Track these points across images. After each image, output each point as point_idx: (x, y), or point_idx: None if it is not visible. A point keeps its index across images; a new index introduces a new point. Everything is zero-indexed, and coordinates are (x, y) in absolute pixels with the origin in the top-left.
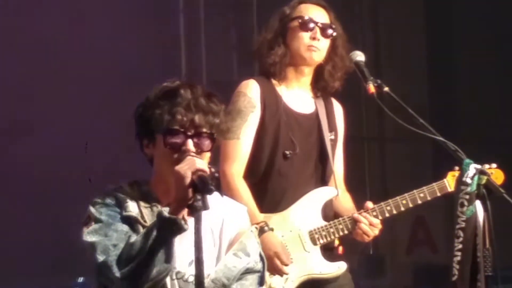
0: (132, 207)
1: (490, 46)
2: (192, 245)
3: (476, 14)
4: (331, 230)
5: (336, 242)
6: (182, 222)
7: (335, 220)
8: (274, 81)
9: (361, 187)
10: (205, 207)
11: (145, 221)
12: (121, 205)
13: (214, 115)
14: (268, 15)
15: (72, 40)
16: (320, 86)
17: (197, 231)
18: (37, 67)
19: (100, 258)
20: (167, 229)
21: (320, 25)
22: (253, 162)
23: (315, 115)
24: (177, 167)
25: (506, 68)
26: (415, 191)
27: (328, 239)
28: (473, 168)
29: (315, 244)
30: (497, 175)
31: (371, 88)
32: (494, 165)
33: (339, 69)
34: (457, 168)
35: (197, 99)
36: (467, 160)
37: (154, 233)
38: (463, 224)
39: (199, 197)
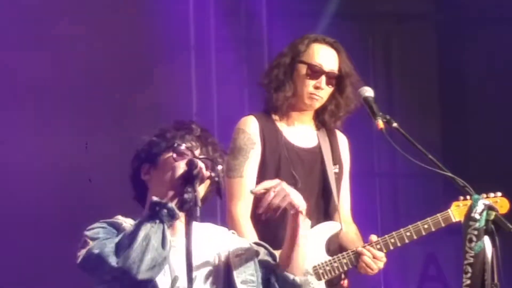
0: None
1: (501, 81)
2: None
3: (488, 48)
4: (335, 264)
5: (342, 276)
6: (174, 206)
7: (339, 255)
8: (275, 116)
9: (373, 223)
10: (196, 201)
11: None
12: (117, 228)
13: (221, 156)
14: (279, 50)
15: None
16: (320, 122)
17: (188, 234)
18: None
19: (96, 251)
20: (159, 213)
21: (327, 73)
22: (257, 200)
23: (318, 149)
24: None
25: None
26: (419, 222)
27: (333, 274)
28: (481, 203)
29: (319, 279)
30: (502, 204)
31: (380, 123)
32: (499, 194)
33: (342, 109)
34: (461, 198)
35: (207, 136)
36: (476, 196)
37: (147, 219)
38: (471, 260)
39: (189, 188)
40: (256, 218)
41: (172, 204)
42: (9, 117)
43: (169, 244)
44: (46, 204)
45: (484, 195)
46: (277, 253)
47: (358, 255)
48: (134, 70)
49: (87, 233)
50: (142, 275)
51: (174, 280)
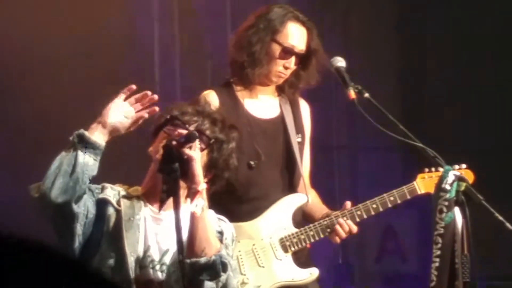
0: (110, 193)
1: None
2: (168, 236)
3: (449, 14)
4: (302, 237)
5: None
6: (84, 133)
7: (306, 227)
8: (236, 87)
9: (331, 197)
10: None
11: (119, 206)
12: (103, 189)
13: (221, 131)
14: (241, 21)
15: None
16: (280, 91)
17: (176, 210)
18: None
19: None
20: (73, 142)
21: (297, 53)
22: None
23: (280, 118)
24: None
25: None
26: (385, 194)
27: (300, 246)
28: (452, 174)
29: (286, 251)
30: (466, 176)
31: (352, 94)
32: (464, 166)
33: (302, 81)
34: (426, 170)
35: (210, 111)
36: (447, 167)
37: (65, 149)
38: (441, 231)
39: (174, 166)
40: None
41: (82, 131)
42: None
43: (81, 169)
44: None
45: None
46: (236, 225)
47: (325, 227)
48: (99, 41)
49: None
50: (56, 198)
51: (146, 249)
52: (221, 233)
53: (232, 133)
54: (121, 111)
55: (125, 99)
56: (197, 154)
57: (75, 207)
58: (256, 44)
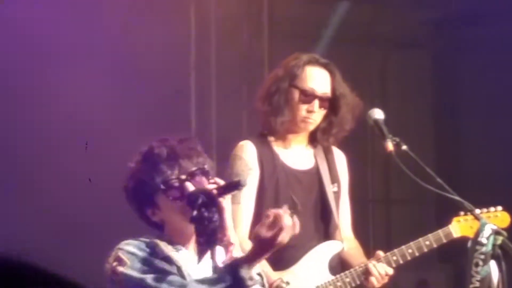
0: (165, 249)
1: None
2: None
3: (483, 76)
4: (339, 284)
5: None
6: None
7: (342, 274)
8: (270, 138)
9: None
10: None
11: (178, 263)
12: (153, 247)
13: (198, 155)
14: None
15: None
16: (313, 139)
17: (213, 255)
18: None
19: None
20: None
21: (320, 97)
22: (256, 225)
23: (315, 169)
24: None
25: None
26: (420, 239)
27: None
28: (489, 228)
29: None
30: (502, 218)
31: (390, 146)
32: (499, 208)
33: (334, 127)
34: (462, 213)
35: (174, 149)
36: (483, 220)
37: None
38: (477, 284)
39: (213, 216)
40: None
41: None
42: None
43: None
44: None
45: (485, 210)
46: (279, 274)
47: (361, 273)
48: (137, 87)
49: (126, 248)
50: None
51: None
52: (260, 275)
53: None
54: None
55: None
56: (228, 204)
57: None
58: (276, 93)
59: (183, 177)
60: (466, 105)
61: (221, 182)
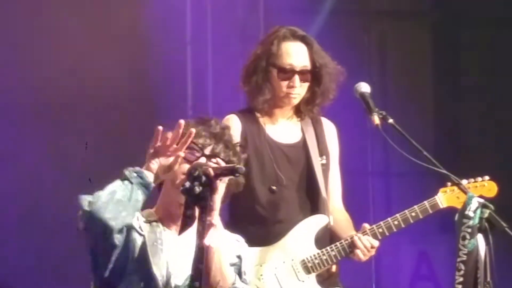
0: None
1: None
2: (188, 261)
3: (483, 47)
4: (324, 257)
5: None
6: (149, 178)
7: (328, 248)
8: (257, 114)
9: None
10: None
11: (142, 230)
12: None
13: (234, 154)
14: None
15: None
16: (298, 111)
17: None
18: None
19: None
20: (131, 176)
21: (299, 71)
22: (242, 198)
23: (302, 142)
24: None
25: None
26: (406, 210)
27: (322, 267)
28: (476, 201)
29: (308, 273)
30: (490, 187)
31: (376, 119)
32: (486, 177)
33: (317, 97)
34: (448, 184)
35: (224, 134)
36: (470, 194)
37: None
38: (464, 257)
39: (205, 193)
40: (242, 215)
41: (142, 170)
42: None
43: (133, 203)
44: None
45: (472, 180)
46: (266, 248)
47: (348, 246)
48: (130, 67)
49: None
50: (108, 220)
51: (169, 274)
52: (239, 257)
53: (243, 155)
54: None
55: (160, 142)
56: (222, 188)
57: (117, 236)
58: (255, 73)
59: (207, 153)
60: (466, 75)
61: (222, 164)
